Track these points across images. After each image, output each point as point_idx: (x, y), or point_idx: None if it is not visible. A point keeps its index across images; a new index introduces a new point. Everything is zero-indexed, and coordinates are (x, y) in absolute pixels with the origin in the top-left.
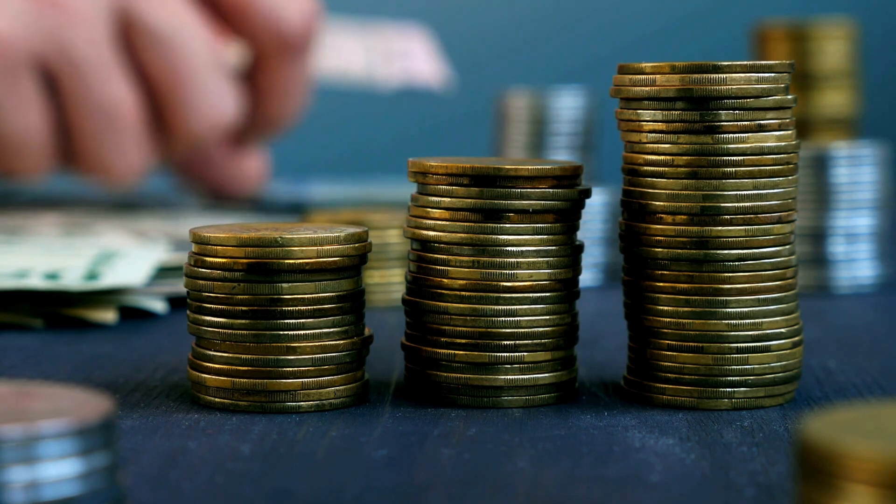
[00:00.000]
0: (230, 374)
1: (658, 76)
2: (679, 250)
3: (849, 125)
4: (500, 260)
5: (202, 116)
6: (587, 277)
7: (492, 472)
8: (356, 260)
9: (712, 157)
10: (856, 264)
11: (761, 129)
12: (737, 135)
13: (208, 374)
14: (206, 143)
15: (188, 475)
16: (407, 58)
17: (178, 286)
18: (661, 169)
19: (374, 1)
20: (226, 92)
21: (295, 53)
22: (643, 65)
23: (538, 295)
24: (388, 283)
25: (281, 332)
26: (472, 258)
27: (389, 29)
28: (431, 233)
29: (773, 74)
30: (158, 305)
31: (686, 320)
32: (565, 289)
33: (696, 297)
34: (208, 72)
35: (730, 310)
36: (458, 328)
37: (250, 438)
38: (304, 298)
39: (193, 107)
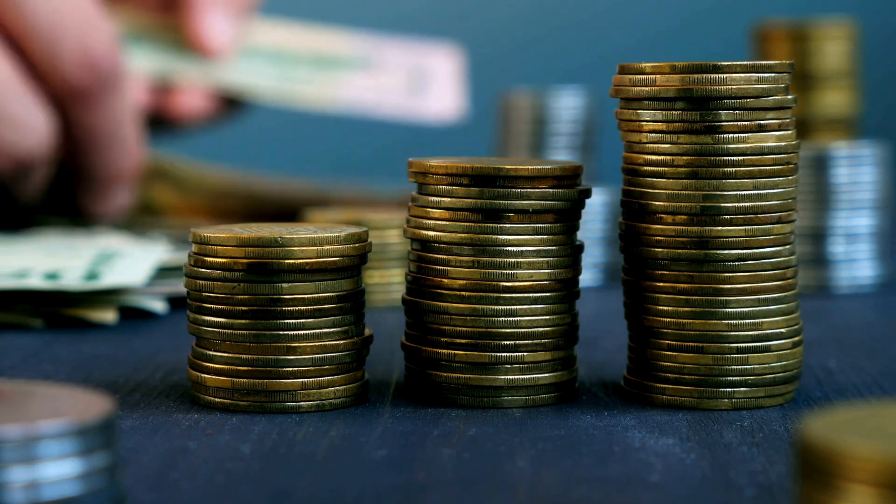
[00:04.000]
0: (230, 374)
1: (658, 76)
2: (679, 250)
3: (849, 125)
4: (500, 260)
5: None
6: (587, 277)
7: (492, 472)
8: (356, 260)
9: (712, 157)
10: (856, 264)
11: (761, 129)
12: (737, 135)
13: (208, 374)
14: (13, 174)
15: (188, 475)
16: (421, 91)
17: (178, 286)
18: (661, 169)
19: (380, 6)
20: (24, 122)
21: (106, 89)
22: (643, 65)
23: (538, 295)
24: (388, 283)
25: (281, 332)
26: (472, 258)
27: (416, 50)
28: (431, 233)
29: (773, 74)
30: (158, 305)
31: (686, 320)
32: (565, 289)
33: (696, 297)
34: (5, 108)
35: (730, 310)
36: (458, 328)
37: (250, 438)
38: (304, 298)
39: None
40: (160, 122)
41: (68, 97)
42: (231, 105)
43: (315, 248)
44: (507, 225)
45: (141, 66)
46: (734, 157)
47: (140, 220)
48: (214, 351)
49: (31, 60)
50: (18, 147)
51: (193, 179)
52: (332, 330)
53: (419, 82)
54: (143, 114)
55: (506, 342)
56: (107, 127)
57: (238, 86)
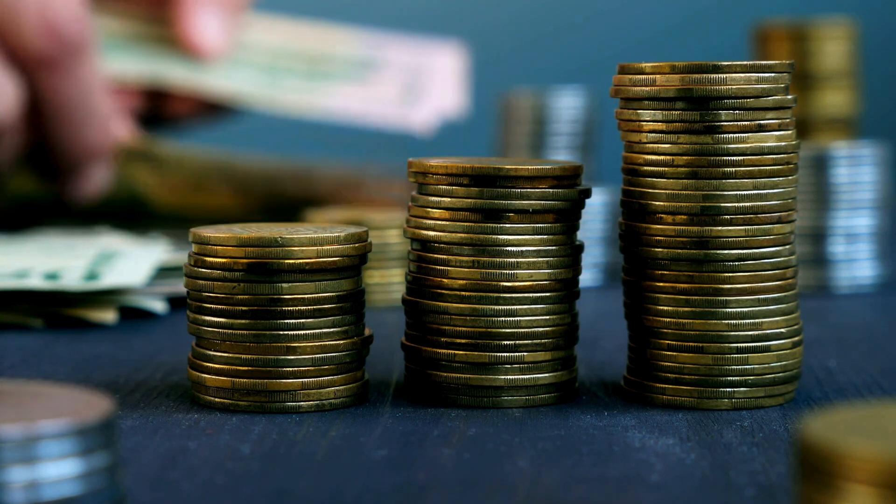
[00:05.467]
0: (230, 374)
1: (658, 76)
2: (679, 250)
3: (849, 125)
4: (500, 260)
5: None
6: (587, 277)
7: (492, 472)
8: (356, 260)
9: (712, 157)
10: (856, 264)
11: (761, 129)
12: (737, 135)
13: (208, 374)
14: None
15: (188, 475)
16: (414, 99)
17: (178, 286)
18: (661, 169)
19: (381, 5)
20: None
21: (70, 58)
22: (643, 65)
23: (538, 295)
24: (388, 283)
25: (281, 332)
26: (472, 258)
27: (418, 50)
28: (431, 233)
29: (773, 74)
30: (158, 305)
31: (686, 320)
32: (565, 289)
33: (696, 297)
34: None
35: (730, 310)
36: (458, 328)
37: (250, 438)
38: (304, 298)
39: None
40: (152, 120)
41: (32, 66)
42: (218, 108)
43: (315, 248)
44: (507, 225)
45: (129, 70)
46: (734, 157)
47: (122, 208)
48: (214, 351)
49: None
50: None
51: (173, 159)
52: (332, 330)
53: (415, 91)
54: (132, 113)
55: (506, 342)
56: (74, 97)
57: (224, 92)
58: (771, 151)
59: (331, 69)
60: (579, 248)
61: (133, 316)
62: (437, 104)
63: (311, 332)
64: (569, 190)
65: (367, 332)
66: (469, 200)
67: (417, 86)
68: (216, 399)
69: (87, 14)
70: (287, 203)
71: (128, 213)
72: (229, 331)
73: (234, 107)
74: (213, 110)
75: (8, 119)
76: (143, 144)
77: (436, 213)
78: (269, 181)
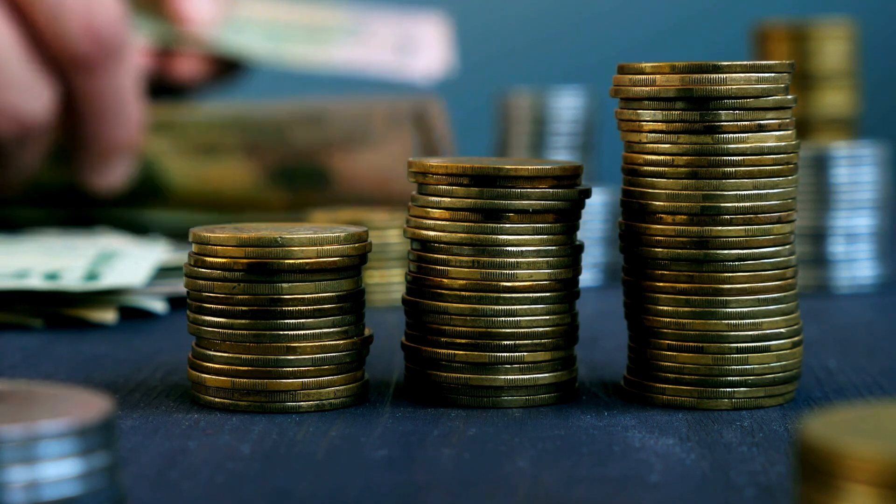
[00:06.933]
0: (230, 374)
1: (658, 76)
2: (679, 250)
3: (849, 125)
4: (500, 260)
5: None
6: (587, 277)
7: (492, 472)
8: (356, 260)
9: (712, 157)
10: (856, 264)
11: (761, 129)
12: (737, 135)
13: (208, 374)
14: (16, 140)
15: (188, 475)
16: (409, 52)
17: (178, 286)
18: (661, 169)
19: (379, 5)
20: (31, 91)
21: (109, 60)
22: (643, 65)
23: (538, 295)
24: (388, 283)
25: (281, 332)
26: (472, 258)
27: (403, 18)
28: (431, 233)
29: (773, 74)
30: (158, 305)
31: (686, 320)
32: (565, 289)
33: (696, 297)
34: (10, 73)
35: (730, 310)
36: (458, 328)
37: (250, 438)
38: (304, 298)
39: None
40: (161, 85)
41: (71, 66)
42: (227, 68)
43: (315, 248)
44: (507, 225)
45: (138, 35)
46: (734, 157)
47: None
48: (214, 351)
49: (35, 28)
50: (22, 111)
51: (185, 121)
52: (332, 330)
53: (407, 45)
54: (144, 80)
55: (506, 342)
56: (109, 97)
57: (231, 49)
58: (771, 151)
59: (326, 36)
60: (579, 248)
61: (133, 316)
62: (428, 61)
63: (311, 332)
64: (569, 190)
65: (367, 332)
66: (469, 200)
67: (409, 43)
68: (216, 399)
69: (127, 16)
70: (298, 161)
71: (140, 195)
72: (229, 331)
73: (242, 65)
74: (217, 70)
75: (43, 119)
76: (155, 113)
77: (436, 213)
78: (281, 131)
